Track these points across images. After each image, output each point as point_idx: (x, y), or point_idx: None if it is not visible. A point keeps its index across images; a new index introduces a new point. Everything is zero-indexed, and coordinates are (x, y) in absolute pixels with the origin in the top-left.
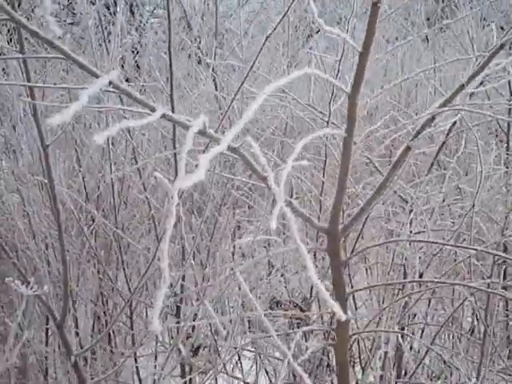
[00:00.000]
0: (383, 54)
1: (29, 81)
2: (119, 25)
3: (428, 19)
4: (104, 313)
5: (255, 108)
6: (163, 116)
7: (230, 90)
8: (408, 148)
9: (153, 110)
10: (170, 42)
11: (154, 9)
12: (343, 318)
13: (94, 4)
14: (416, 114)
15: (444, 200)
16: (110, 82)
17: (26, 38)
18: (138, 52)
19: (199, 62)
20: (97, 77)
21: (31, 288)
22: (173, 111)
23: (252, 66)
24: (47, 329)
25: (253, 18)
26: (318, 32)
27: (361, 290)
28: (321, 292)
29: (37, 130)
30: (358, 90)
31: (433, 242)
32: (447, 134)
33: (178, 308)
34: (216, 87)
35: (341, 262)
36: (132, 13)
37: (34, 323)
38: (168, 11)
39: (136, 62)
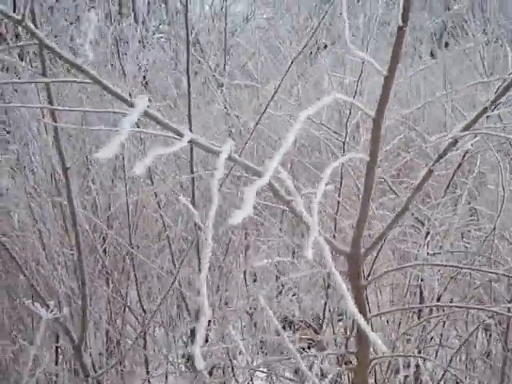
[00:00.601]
0: (403, 80)
1: (51, 103)
2: (136, 44)
3: (435, 35)
4: (115, 330)
5: (293, 137)
6: (190, 141)
7: (239, 108)
8: (430, 171)
9: (179, 134)
10: (189, 61)
11: (160, 25)
12: (385, 349)
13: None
14: (427, 133)
15: (458, 221)
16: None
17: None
18: (147, 70)
19: (204, 81)
20: (125, 101)
21: (51, 311)
22: (190, 132)
23: (275, 92)
24: (57, 347)
25: (261, 34)
26: (325, 47)
27: (382, 313)
28: (362, 325)
29: (57, 152)
30: (382, 112)
31: (452, 266)
32: (463, 156)
33: (192, 330)
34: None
35: (361, 286)
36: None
37: (45, 342)
38: (187, 29)
39: (145, 78)
